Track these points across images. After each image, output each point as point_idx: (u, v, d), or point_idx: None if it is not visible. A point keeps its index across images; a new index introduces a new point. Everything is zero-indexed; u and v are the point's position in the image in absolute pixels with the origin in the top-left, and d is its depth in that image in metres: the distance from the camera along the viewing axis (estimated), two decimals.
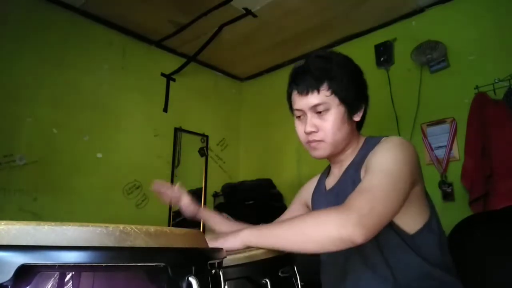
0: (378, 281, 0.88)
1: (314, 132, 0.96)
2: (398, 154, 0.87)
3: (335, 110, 0.95)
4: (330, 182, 1.08)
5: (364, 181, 0.83)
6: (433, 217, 0.93)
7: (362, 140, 1.04)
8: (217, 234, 0.90)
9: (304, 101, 0.97)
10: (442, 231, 0.96)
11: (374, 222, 0.74)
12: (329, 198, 1.04)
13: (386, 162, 0.85)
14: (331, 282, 1.01)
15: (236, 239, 0.81)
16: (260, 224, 1.07)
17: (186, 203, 1.27)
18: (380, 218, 0.75)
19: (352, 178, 0.97)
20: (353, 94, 0.96)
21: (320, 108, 0.95)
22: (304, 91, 0.96)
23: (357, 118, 0.99)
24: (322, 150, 0.98)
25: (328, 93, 0.94)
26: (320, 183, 1.14)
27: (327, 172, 1.14)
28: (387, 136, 0.99)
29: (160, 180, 1.32)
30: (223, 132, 3.32)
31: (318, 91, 0.95)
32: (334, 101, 0.95)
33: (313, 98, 0.95)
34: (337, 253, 0.95)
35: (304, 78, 0.97)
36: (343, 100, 0.95)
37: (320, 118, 0.96)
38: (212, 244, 0.80)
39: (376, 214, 0.74)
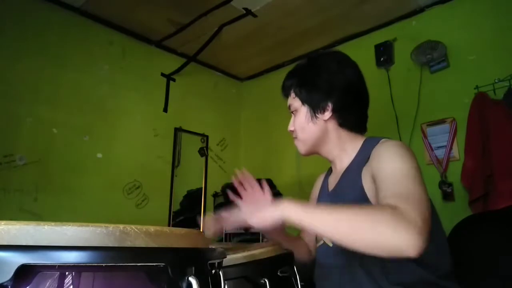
0: None
1: (291, 130, 1.10)
2: (408, 158, 0.85)
3: (300, 110, 1.05)
4: (332, 182, 1.09)
5: (395, 188, 0.77)
6: (434, 223, 0.92)
7: (360, 140, 1.04)
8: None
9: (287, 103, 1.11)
10: (445, 237, 0.94)
11: (427, 232, 0.69)
12: (332, 199, 1.04)
13: (405, 167, 0.82)
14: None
15: (276, 211, 0.77)
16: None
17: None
18: (429, 227, 0.70)
19: (352, 180, 0.95)
20: (316, 95, 1.01)
21: (291, 109, 1.08)
22: (284, 95, 1.11)
23: (325, 117, 1.01)
24: (299, 147, 1.10)
25: (293, 95, 1.06)
26: (324, 182, 1.15)
27: (330, 170, 1.15)
28: (386, 138, 0.97)
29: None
30: (223, 132, 3.31)
31: (289, 94, 1.08)
32: (298, 103, 1.05)
33: (288, 101, 1.09)
34: (336, 259, 0.94)
35: (283, 83, 1.11)
36: (303, 101, 1.04)
37: (294, 119, 1.08)
38: (248, 217, 0.79)
39: (428, 223, 0.70)
